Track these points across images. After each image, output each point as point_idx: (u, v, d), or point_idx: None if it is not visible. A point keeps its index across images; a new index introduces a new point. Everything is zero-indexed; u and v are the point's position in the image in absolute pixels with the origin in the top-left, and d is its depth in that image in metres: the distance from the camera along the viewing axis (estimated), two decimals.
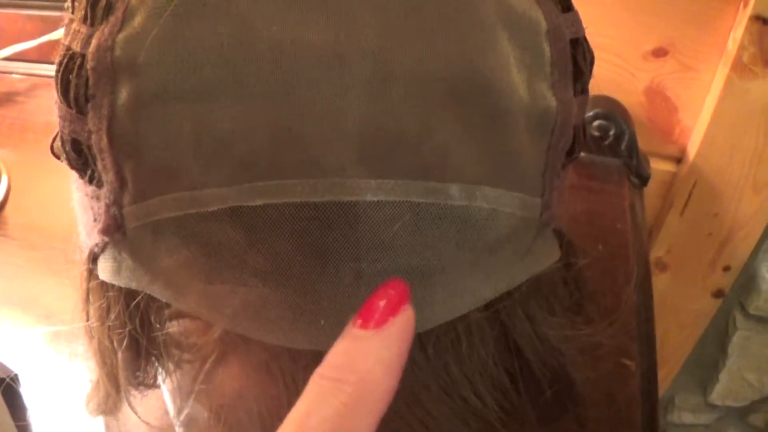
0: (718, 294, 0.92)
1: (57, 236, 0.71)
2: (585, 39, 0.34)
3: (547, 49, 0.31)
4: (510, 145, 0.30)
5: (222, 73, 0.27)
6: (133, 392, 0.42)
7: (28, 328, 0.68)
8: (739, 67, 0.72)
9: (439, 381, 0.34)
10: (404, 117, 0.28)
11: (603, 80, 0.79)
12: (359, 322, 0.23)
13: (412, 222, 0.29)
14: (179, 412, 0.42)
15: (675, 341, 0.99)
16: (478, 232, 0.30)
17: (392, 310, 0.24)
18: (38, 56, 0.96)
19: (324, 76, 0.27)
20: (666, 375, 1.04)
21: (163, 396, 0.44)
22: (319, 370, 0.22)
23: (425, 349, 0.33)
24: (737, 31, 0.71)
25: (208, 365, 0.39)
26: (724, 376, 1.02)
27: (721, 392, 1.04)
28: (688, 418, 1.11)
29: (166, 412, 0.45)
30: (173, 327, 0.38)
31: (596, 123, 0.76)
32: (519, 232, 0.32)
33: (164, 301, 0.33)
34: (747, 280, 0.91)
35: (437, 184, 0.29)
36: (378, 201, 0.28)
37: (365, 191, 0.28)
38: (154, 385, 0.42)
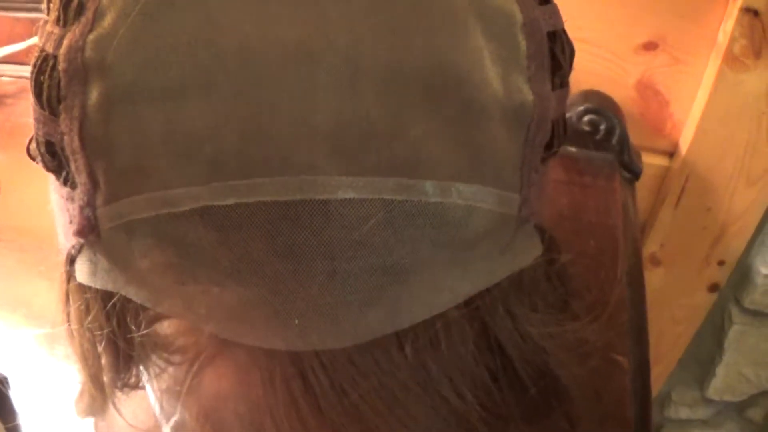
0: (713, 288, 0.92)
1: (46, 238, 0.70)
2: (564, 32, 0.33)
3: (522, 42, 0.31)
4: (485, 140, 0.30)
5: (190, 72, 0.27)
6: (118, 394, 0.42)
7: (17, 330, 0.67)
8: (730, 60, 0.72)
9: (419, 380, 0.34)
10: (375, 113, 0.28)
11: (593, 74, 0.79)
12: None
13: (386, 219, 0.28)
14: (167, 417, 0.42)
15: (670, 337, 0.99)
16: (454, 229, 0.30)
17: None
18: (27, 59, 0.96)
19: (293, 73, 0.27)
20: (662, 370, 1.03)
21: (148, 397, 0.44)
22: None
23: (403, 348, 0.33)
24: (728, 24, 0.71)
25: (195, 367, 0.39)
26: (720, 371, 1.01)
27: (718, 387, 1.03)
28: (685, 413, 1.11)
29: (154, 414, 0.44)
30: (160, 329, 0.38)
31: (587, 118, 0.75)
32: (497, 228, 0.32)
33: (140, 302, 0.32)
34: (742, 274, 0.91)
35: (410, 181, 0.28)
36: (349, 198, 0.28)
37: (336, 189, 0.27)
38: (138, 387, 0.42)
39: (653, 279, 0.91)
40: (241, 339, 0.32)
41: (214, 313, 0.31)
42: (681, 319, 0.96)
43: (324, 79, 0.27)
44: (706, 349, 1.01)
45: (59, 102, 0.30)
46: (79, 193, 0.31)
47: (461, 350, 0.34)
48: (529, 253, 0.34)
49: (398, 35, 0.28)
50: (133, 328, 0.35)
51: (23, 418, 0.62)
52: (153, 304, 0.32)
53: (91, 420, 0.48)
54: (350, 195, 0.28)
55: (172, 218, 0.28)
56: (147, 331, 0.35)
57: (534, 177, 0.32)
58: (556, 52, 0.32)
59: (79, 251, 0.33)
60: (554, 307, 0.38)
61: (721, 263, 0.89)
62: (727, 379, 1.02)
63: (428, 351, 0.34)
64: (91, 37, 0.29)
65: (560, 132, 0.33)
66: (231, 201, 0.28)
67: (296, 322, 0.30)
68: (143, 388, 0.42)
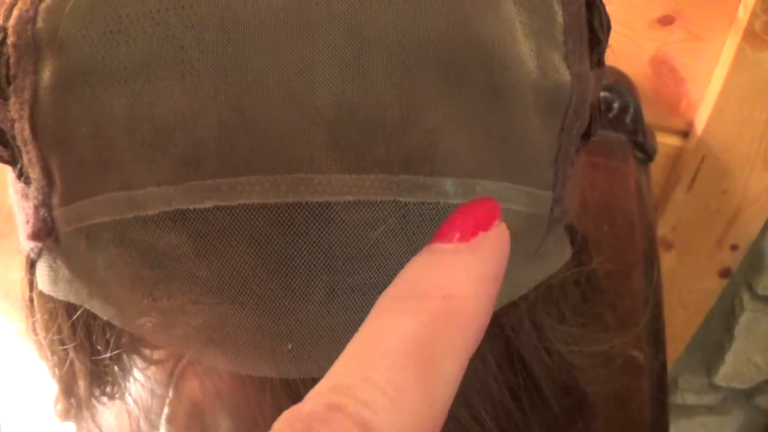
0: (724, 273, 0.90)
1: None
2: (601, 1, 0.29)
3: (559, 12, 0.27)
4: (515, 129, 0.26)
5: (159, 45, 0.23)
6: (95, 402, 0.38)
7: None
8: (750, 37, 0.70)
9: None
10: (385, 96, 0.24)
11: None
12: (439, 238, 0.18)
13: (398, 226, 0.25)
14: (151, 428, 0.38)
15: (679, 321, 0.97)
16: None
17: (483, 224, 0.19)
18: None
19: (285, 46, 0.23)
20: (669, 356, 1.02)
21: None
22: (391, 290, 0.18)
23: None
24: None
25: (179, 368, 0.35)
26: (729, 358, 1.00)
27: (726, 374, 1.02)
28: (691, 399, 1.10)
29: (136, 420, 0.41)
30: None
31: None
32: (526, 231, 0.28)
33: (106, 319, 0.28)
34: (755, 259, 0.89)
35: (427, 179, 0.25)
36: (355, 201, 0.24)
37: (339, 190, 0.24)
38: (116, 397, 0.38)
39: (664, 262, 0.90)
40: (224, 365, 0.28)
41: (193, 335, 0.28)
42: (691, 303, 0.95)
43: (323, 55, 0.23)
44: (714, 335, 1.00)
45: (9, 83, 0.26)
46: (33, 190, 0.27)
47: (480, 370, 0.31)
48: (558, 257, 0.31)
49: (413, 1, 0.24)
50: (99, 348, 0.31)
51: (3, 419, 0.60)
52: (121, 322, 0.29)
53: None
54: (355, 197, 0.24)
55: (139, 223, 0.25)
56: (117, 352, 0.31)
57: (569, 171, 0.28)
58: (594, 25, 0.28)
59: (39, 255, 0.29)
60: (583, 316, 0.34)
61: (734, 248, 0.87)
62: (736, 366, 1.01)
63: None
64: (43, 5, 0.25)
65: (597, 117, 0.29)
66: (210, 204, 0.24)
67: (289, 347, 0.26)
68: (122, 398, 0.39)
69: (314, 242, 0.24)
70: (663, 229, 0.87)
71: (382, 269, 0.25)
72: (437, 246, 0.18)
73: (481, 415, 0.31)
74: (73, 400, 0.37)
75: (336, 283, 0.25)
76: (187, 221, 0.24)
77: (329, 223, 0.24)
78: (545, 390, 0.33)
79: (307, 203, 0.24)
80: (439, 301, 0.17)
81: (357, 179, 0.24)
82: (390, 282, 0.25)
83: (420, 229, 0.25)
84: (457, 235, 0.18)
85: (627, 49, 0.76)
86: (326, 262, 0.25)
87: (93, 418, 0.38)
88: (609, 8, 0.71)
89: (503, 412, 0.32)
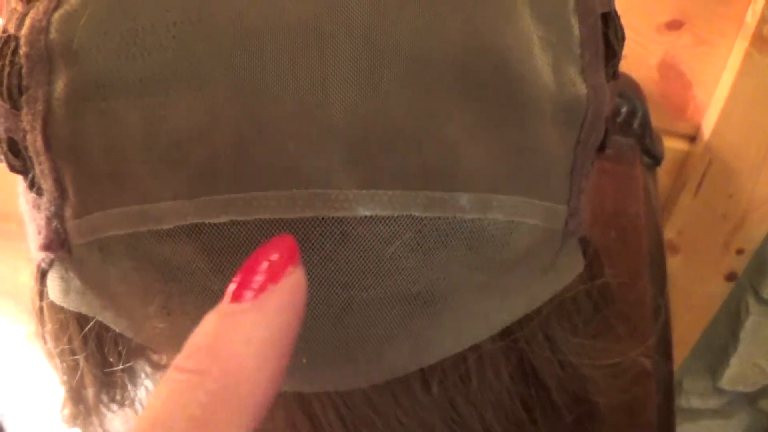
0: (730, 277, 0.90)
1: None
2: (616, 13, 0.29)
3: (575, 25, 0.26)
4: (532, 143, 0.26)
5: (175, 58, 0.23)
6: (104, 410, 0.38)
7: (2, 325, 0.64)
8: (758, 42, 0.70)
9: (445, 419, 0.30)
10: (402, 109, 0.23)
11: None
12: (234, 290, 0.18)
13: (414, 241, 0.24)
14: None
15: (685, 325, 0.97)
16: (492, 250, 0.26)
17: (272, 276, 0.18)
18: None
19: (301, 60, 0.23)
20: (675, 359, 1.02)
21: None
22: (178, 360, 0.17)
23: (429, 387, 0.29)
24: (757, 3, 0.68)
25: None
26: (734, 361, 0.99)
27: (731, 377, 1.02)
28: (696, 402, 1.10)
29: None
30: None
31: None
32: (540, 245, 0.28)
33: (119, 331, 0.28)
34: (761, 263, 0.89)
35: (444, 194, 0.24)
36: (371, 216, 0.23)
37: (355, 204, 0.23)
38: (126, 405, 0.38)
39: (669, 266, 0.89)
40: None
41: None
42: (696, 307, 0.95)
43: (338, 68, 0.23)
44: (719, 339, 1.00)
45: (21, 93, 0.26)
46: (45, 201, 0.27)
47: (495, 384, 0.30)
48: (572, 270, 0.30)
49: (430, 14, 0.23)
50: (111, 360, 0.31)
51: (9, 421, 0.60)
52: (133, 333, 0.28)
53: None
54: (371, 212, 0.23)
55: (153, 237, 0.24)
56: (129, 365, 0.31)
57: (584, 184, 0.28)
58: (610, 38, 0.28)
59: (50, 266, 0.29)
60: (596, 328, 0.34)
61: (740, 252, 0.87)
62: (741, 370, 1.01)
63: (458, 387, 0.29)
64: (56, 15, 0.24)
65: (612, 130, 0.29)
66: (225, 219, 0.23)
67: (304, 361, 0.26)
68: (131, 405, 0.39)
69: (330, 257, 0.24)
70: (669, 233, 0.86)
71: (396, 283, 0.25)
72: (224, 308, 0.18)
73: (494, 428, 0.31)
74: (81, 406, 0.37)
75: (351, 298, 0.25)
76: (203, 236, 0.24)
77: (345, 238, 0.24)
78: (557, 401, 0.32)
79: (323, 218, 0.23)
80: (216, 377, 0.17)
81: (373, 194, 0.23)
82: (404, 295, 0.25)
83: (436, 243, 0.25)
84: (247, 294, 0.18)
85: (635, 54, 0.76)
86: (342, 277, 0.24)
87: (101, 423, 0.38)
88: None
89: (515, 424, 0.32)
